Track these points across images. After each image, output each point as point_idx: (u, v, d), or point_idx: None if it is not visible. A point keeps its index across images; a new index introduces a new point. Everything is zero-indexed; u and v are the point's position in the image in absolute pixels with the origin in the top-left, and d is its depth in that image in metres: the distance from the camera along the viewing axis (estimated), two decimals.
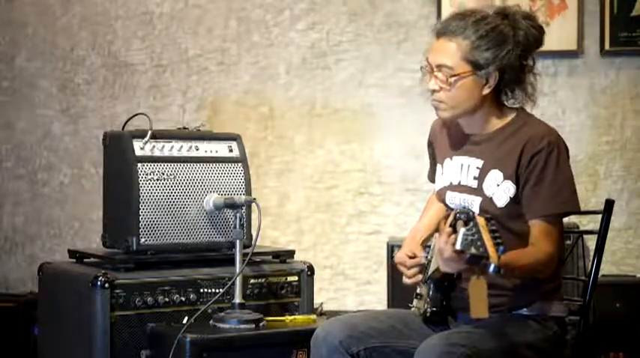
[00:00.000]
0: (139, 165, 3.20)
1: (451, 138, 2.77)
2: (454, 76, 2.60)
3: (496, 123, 2.68)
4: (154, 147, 3.24)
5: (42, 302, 3.41)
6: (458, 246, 2.27)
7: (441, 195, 2.80)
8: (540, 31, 2.66)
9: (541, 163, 2.57)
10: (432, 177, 2.92)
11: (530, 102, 2.69)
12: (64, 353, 3.25)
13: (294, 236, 4.78)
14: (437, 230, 2.85)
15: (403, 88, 4.69)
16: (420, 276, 2.76)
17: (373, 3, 4.76)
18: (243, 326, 3.02)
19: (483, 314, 2.37)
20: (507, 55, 2.59)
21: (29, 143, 4.85)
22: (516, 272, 2.49)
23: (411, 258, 2.76)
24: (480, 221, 2.27)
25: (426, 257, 2.76)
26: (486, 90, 2.62)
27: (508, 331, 2.58)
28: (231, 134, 3.45)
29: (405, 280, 2.78)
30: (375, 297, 4.72)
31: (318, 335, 2.71)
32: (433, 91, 2.64)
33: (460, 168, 2.71)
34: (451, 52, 2.60)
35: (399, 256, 2.79)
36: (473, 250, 2.24)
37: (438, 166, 2.81)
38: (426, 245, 2.85)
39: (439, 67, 2.62)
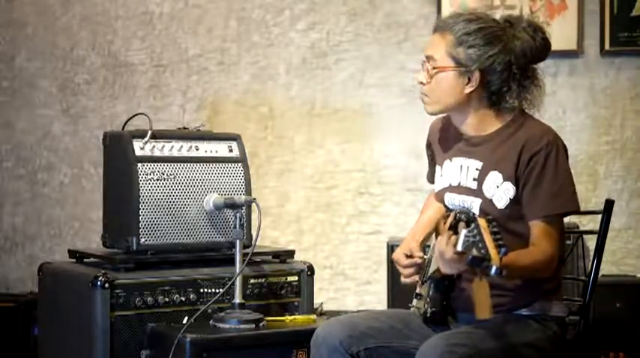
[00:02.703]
0: (139, 165, 3.20)
1: (450, 139, 2.77)
2: (435, 68, 2.62)
3: (494, 125, 2.68)
4: (153, 147, 3.24)
5: (42, 302, 3.41)
6: (459, 248, 2.27)
7: (440, 196, 2.80)
8: (542, 45, 2.64)
9: (540, 164, 2.57)
10: (431, 178, 2.92)
11: (527, 109, 2.68)
12: (64, 353, 3.25)
13: (294, 236, 4.78)
14: (436, 229, 2.86)
15: (403, 87, 4.69)
16: (417, 276, 2.76)
17: (373, 3, 4.76)
18: (243, 326, 3.02)
19: (487, 315, 2.38)
20: (491, 57, 2.59)
21: (29, 143, 4.85)
22: (518, 273, 2.49)
23: (408, 256, 2.76)
24: (482, 222, 2.27)
25: (423, 257, 2.75)
26: (468, 89, 2.62)
27: (508, 331, 2.58)
28: (231, 134, 3.45)
29: (402, 279, 2.78)
30: (375, 297, 4.72)
31: (318, 335, 2.71)
32: (421, 84, 2.67)
33: (460, 169, 2.71)
34: (438, 46, 2.64)
35: (396, 254, 2.79)
36: (474, 252, 2.23)
37: (437, 168, 2.81)
38: (425, 245, 2.85)
39: (427, 58, 2.66)
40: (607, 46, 4.57)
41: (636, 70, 4.62)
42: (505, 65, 2.61)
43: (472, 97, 2.64)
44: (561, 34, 4.57)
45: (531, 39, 2.63)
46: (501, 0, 4.61)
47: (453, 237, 2.33)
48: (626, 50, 4.59)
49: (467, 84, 2.62)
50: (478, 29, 2.60)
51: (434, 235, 2.87)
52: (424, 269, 2.77)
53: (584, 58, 4.63)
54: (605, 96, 4.64)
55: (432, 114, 2.75)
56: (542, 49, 2.65)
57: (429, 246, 2.83)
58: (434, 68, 2.63)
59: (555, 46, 4.48)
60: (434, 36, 2.66)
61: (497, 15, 2.74)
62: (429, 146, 2.90)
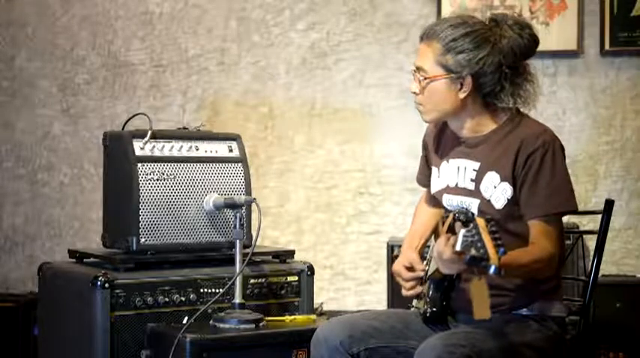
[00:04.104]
0: (139, 165, 3.20)
1: (447, 141, 2.77)
2: (426, 78, 2.62)
3: (490, 125, 2.67)
4: (154, 147, 3.25)
5: (42, 302, 3.40)
6: (458, 248, 2.27)
7: (437, 198, 2.79)
8: (530, 41, 2.62)
9: (537, 163, 2.56)
10: (421, 179, 2.92)
11: (523, 107, 2.67)
12: (64, 353, 3.25)
13: (294, 236, 4.78)
14: (433, 233, 2.86)
15: (403, 87, 4.68)
16: (419, 288, 2.74)
17: (373, 3, 4.77)
18: (243, 326, 3.02)
19: (486, 315, 2.37)
20: (481, 60, 2.57)
21: (29, 143, 4.85)
22: (517, 273, 2.48)
23: (408, 268, 2.75)
24: (480, 222, 2.27)
25: (424, 269, 2.75)
26: (462, 95, 2.61)
27: (508, 331, 2.58)
28: (231, 134, 3.45)
29: (404, 292, 2.77)
30: (375, 297, 4.72)
31: (319, 335, 2.71)
32: (415, 94, 2.66)
33: (457, 170, 2.70)
34: (426, 55, 2.62)
35: (397, 268, 2.78)
36: (473, 251, 2.23)
37: (434, 169, 2.80)
38: (425, 246, 2.85)
39: (418, 69, 2.64)
40: (607, 46, 4.57)
41: (636, 70, 4.62)
42: (496, 66, 2.59)
43: (467, 102, 2.63)
44: (561, 34, 4.57)
45: (518, 36, 2.61)
46: (501, 0, 4.61)
47: (452, 238, 2.33)
48: (626, 50, 4.59)
49: (460, 89, 2.61)
50: (465, 34, 2.59)
51: (434, 235, 2.87)
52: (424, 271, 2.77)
53: (584, 58, 4.63)
54: (605, 96, 4.64)
55: (428, 122, 2.75)
56: (531, 45, 2.64)
57: (429, 246, 2.83)
58: (425, 79, 2.61)
59: (555, 46, 4.57)
60: (421, 45, 2.64)
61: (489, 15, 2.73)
62: (425, 147, 2.89)
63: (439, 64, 2.60)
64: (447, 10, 4.51)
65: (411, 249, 2.81)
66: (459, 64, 2.58)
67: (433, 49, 2.60)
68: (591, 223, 4.32)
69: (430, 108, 2.65)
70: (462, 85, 2.60)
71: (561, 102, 4.64)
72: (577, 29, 4.58)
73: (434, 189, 2.80)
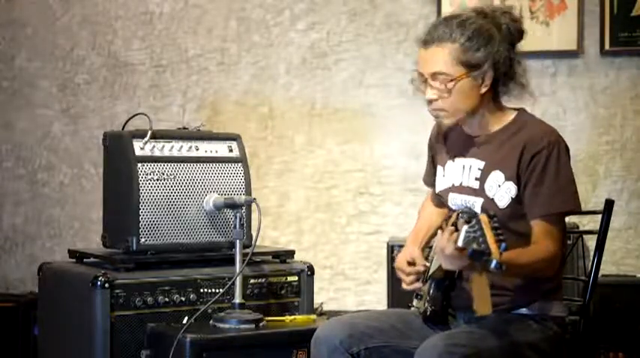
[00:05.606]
0: (139, 165, 3.20)
1: (452, 140, 2.77)
2: (452, 80, 2.59)
3: (496, 124, 2.68)
4: (154, 147, 3.25)
5: (42, 302, 3.41)
6: (460, 243, 2.27)
7: (442, 197, 2.80)
8: (519, 22, 2.67)
9: (541, 163, 2.57)
10: (427, 180, 2.92)
11: (527, 96, 2.68)
12: (64, 353, 3.25)
13: (294, 236, 4.78)
14: (437, 231, 2.86)
15: (403, 88, 4.68)
16: (419, 284, 2.75)
17: (373, 3, 4.77)
18: (243, 326, 3.02)
19: (486, 311, 2.37)
20: (497, 51, 2.60)
21: (29, 143, 4.85)
22: (518, 270, 2.48)
23: (410, 263, 2.76)
24: (483, 218, 2.27)
25: (426, 264, 2.75)
26: (483, 90, 2.62)
27: (508, 331, 2.58)
28: (231, 134, 3.45)
29: (404, 286, 2.77)
30: (375, 297, 4.72)
31: (319, 335, 2.71)
32: (431, 101, 2.64)
33: (462, 169, 2.71)
34: (444, 58, 2.60)
35: (399, 261, 2.78)
36: (475, 246, 2.24)
37: (439, 168, 2.81)
38: (427, 246, 2.85)
39: (434, 75, 2.61)
40: (607, 46, 4.57)
41: (636, 70, 4.62)
42: (506, 53, 2.62)
43: (485, 97, 2.64)
44: (561, 34, 4.57)
45: (510, 20, 2.65)
46: (501, 0, 4.61)
47: (454, 234, 2.33)
48: (626, 50, 4.59)
49: (481, 84, 2.62)
50: (475, 30, 2.59)
51: (436, 236, 2.87)
52: (426, 269, 2.77)
53: (584, 58, 4.62)
54: (605, 96, 4.64)
55: (450, 125, 2.70)
56: (522, 26, 2.68)
57: (430, 248, 2.83)
58: (451, 81, 2.59)
59: (555, 46, 4.58)
60: (430, 51, 2.61)
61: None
62: (431, 147, 2.89)
63: (460, 64, 2.58)
64: (447, 10, 4.51)
65: (413, 245, 2.82)
66: (479, 59, 2.58)
67: (449, 51, 2.58)
68: (591, 223, 4.31)
69: (455, 110, 2.63)
70: (483, 79, 2.60)
71: (561, 102, 4.64)
72: (577, 29, 4.58)
73: (439, 188, 2.80)
